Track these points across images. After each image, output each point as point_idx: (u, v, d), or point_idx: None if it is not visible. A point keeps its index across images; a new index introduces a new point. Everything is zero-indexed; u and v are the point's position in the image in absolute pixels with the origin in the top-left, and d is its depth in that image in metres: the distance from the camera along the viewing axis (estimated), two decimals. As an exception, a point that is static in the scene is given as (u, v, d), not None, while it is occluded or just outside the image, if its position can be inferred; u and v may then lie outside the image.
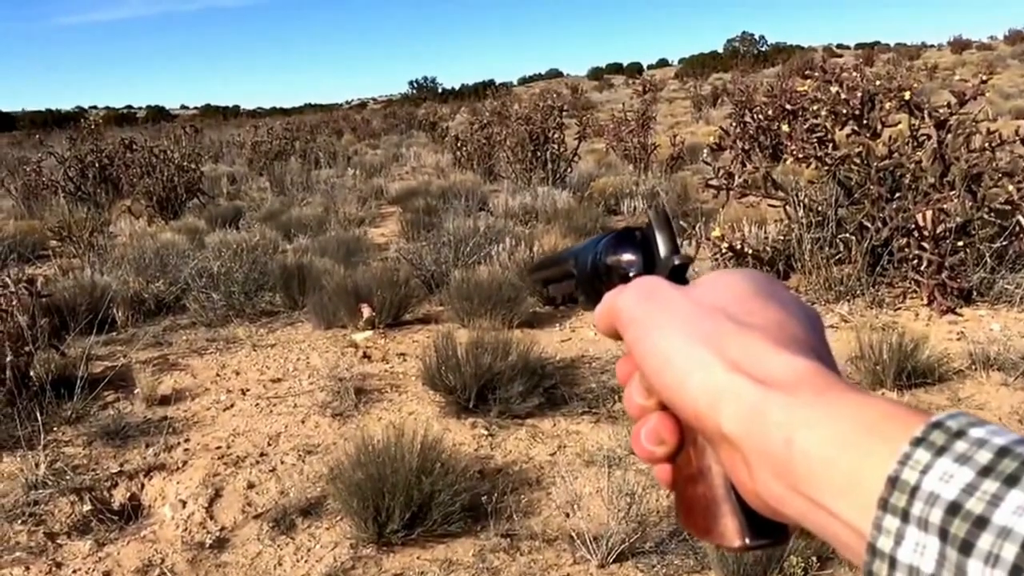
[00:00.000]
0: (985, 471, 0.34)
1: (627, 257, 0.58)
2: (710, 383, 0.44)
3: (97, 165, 14.40)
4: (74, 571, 3.29)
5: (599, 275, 0.60)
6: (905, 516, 0.35)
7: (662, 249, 0.56)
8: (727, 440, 0.44)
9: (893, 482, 0.36)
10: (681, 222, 7.70)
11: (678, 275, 0.55)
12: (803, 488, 0.40)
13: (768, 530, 0.46)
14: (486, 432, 4.30)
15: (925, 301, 5.85)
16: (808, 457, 0.40)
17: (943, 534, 0.34)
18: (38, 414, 4.41)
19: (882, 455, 0.37)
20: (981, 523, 0.33)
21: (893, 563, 0.35)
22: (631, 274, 0.57)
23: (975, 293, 5.88)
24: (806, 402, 0.41)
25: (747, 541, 0.47)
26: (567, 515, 3.53)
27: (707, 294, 0.49)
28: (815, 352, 0.46)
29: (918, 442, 0.36)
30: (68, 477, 3.91)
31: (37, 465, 3.94)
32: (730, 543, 0.47)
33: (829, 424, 0.40)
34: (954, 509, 0.34)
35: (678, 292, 0.50)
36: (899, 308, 5.93)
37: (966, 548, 0.33)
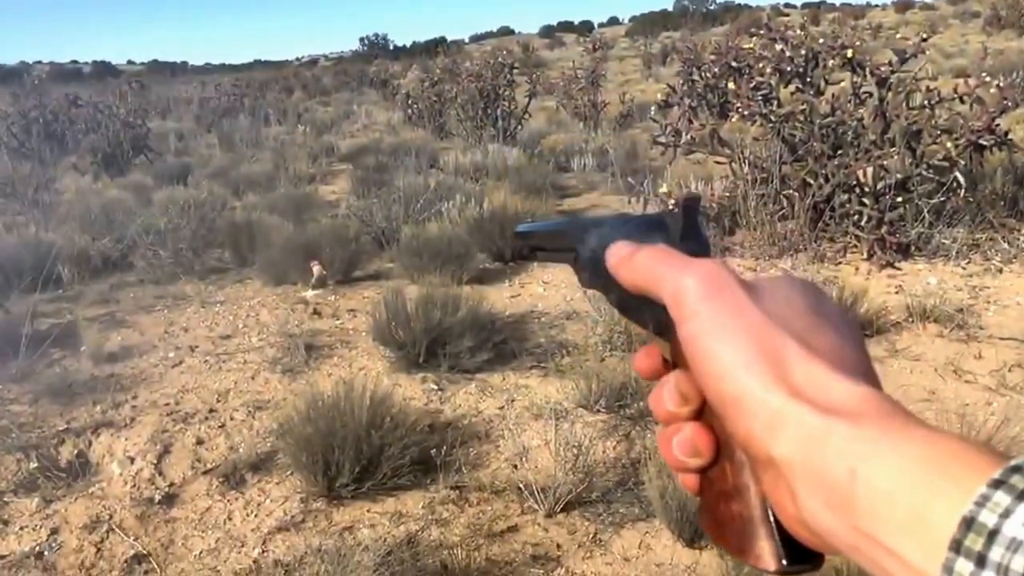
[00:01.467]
0: None
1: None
2: (770, 405, 0.42)
3: (42, 121, 14.07)
4: (21, 528, 3.29)
5: None
6: (981, 561, 0.33)
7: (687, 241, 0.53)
8: (775, 464, 0.42)
9: (968, 523, 0.34)
10: (629, 179, 7.74)
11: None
12: (861, 523, 0.38)
13: (804, 554, 0.45)
14: (436, 387, 4.34)
15: (865, 256, 5.99)
16: (872, 491, 0.38)
17: None
18: (-18, 372, 4.37)
19: (953, 495, 0.35)
20: None
21: None
22: None
23: (913, 248, 6.03)
24: (871, 435, 0.39)
25: (784, 565, 0.45)
26: (515, 467, 3.59)
27: (772, 305, 0.46)
28: (868, 375, 0.45)
29: (997, 484, 0.34)
30: (14, 435, 3.88)
31: (-18, 423, 3.91)
32: (766, 566, 0.46)
33: (895, 459, 0.38)
34: None
35: (747, 296, 0.46)
36: (840, 263, 6.06)
37: None
